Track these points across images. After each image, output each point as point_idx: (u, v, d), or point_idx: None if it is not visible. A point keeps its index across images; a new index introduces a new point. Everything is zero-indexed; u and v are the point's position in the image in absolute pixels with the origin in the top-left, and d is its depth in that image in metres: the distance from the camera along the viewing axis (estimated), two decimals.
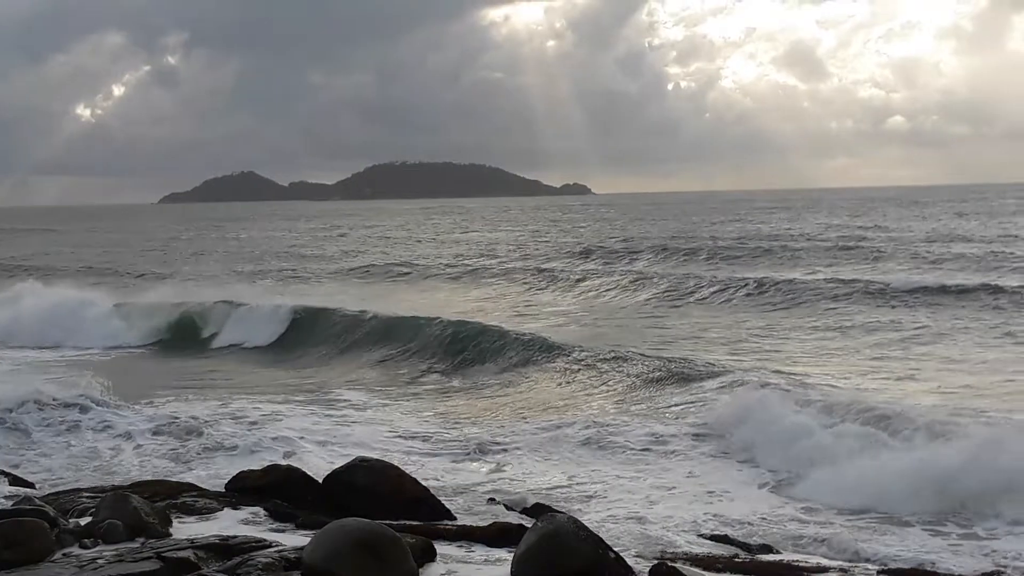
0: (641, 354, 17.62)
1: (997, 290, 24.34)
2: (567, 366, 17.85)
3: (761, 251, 39.94)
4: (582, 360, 17.91)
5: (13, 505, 7.82)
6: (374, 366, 20.82)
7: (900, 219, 63.97)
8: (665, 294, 29.37)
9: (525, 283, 34.91)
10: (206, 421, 13.30)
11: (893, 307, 23.72)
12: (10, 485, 9.63)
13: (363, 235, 75.73)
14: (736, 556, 8.06)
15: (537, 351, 18.96)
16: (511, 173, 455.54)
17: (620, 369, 16.84)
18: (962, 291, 24.69)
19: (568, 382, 17.02)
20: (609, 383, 16.37)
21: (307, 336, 24.54)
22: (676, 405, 14.34)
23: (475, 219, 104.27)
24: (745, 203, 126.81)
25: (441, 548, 7.47)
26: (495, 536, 7.87)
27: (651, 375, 16.12)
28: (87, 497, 8.52)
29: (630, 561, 7.06)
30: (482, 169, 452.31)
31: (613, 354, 17.73)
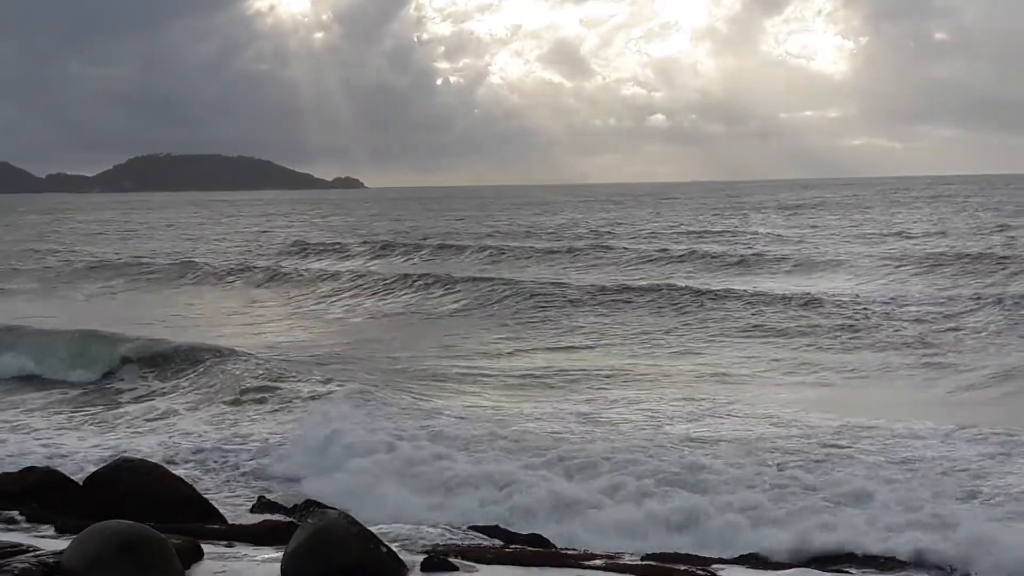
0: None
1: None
2: None
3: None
4: None
5: None
6: None
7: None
8: None
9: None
10: None
11: None
12: None
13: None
14: (506, 546, 8.43)
15: None
16: (281, 166, 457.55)
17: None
18: None
19: None
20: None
21: None
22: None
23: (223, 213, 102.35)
24: (506, 198, 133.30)
25: (209, 548, 7.44)
26: (265, 534, 7.92)
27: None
28: None
29: (402, 555, 7.31)
30: (251, 162, 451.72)
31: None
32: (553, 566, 7.43)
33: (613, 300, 23.91)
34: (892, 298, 23.64)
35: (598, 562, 7.78)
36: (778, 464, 10.23)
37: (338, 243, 46.33)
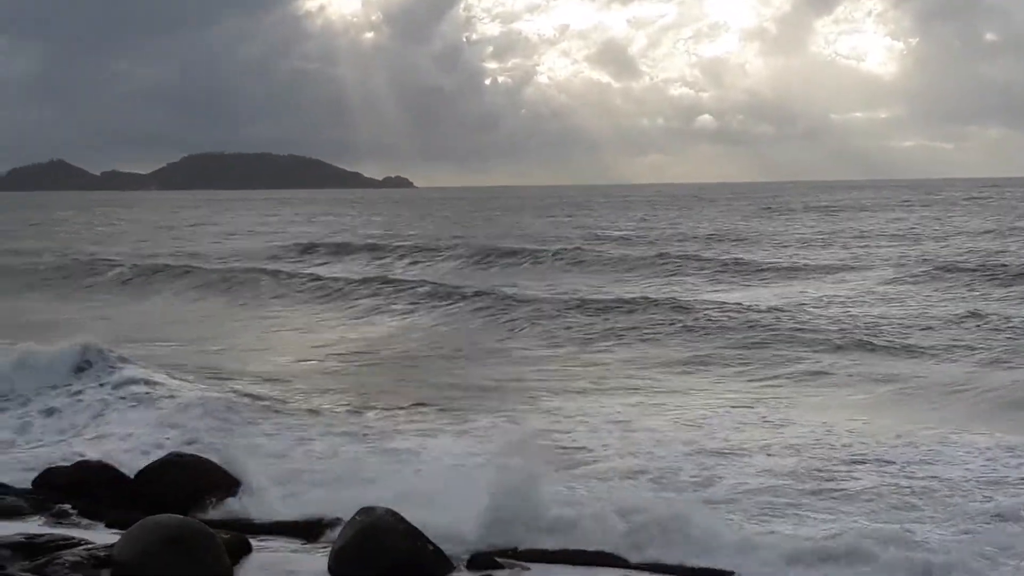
0: None
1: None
2: None
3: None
4: None
5: None
6: None
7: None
8: None
9: None
10: None
11: None
12: None
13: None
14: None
15: None
16: (331, 165, 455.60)
17: None
18: None
19: None
20: None
21: None
22: None
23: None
24: (554, 198, 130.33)
25: (257, 544, 7.57)
26: (310, 530, 8.02)
27: None
28: None
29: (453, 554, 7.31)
30: (301, 160, 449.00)
31: None
32: (602, 565, 7.43)
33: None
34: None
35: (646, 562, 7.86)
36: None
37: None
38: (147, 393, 12.89)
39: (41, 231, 66.89)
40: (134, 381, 13.22)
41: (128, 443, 10.93)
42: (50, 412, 12.33)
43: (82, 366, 13.66)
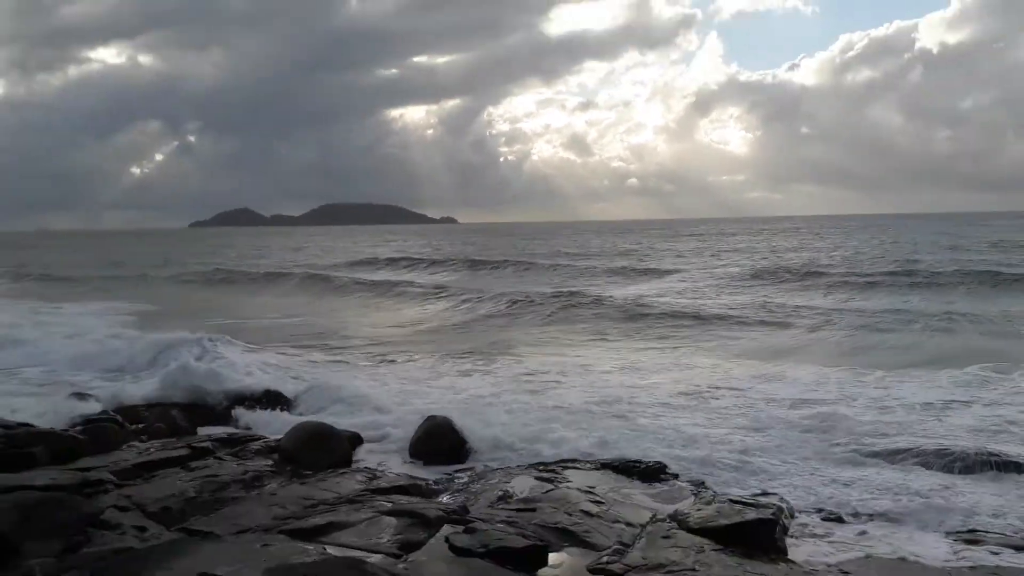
0: None
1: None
2: None
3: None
4: None
5: (98, 414, 12.09)
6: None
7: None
8: None
9: None
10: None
11: None
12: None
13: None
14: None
15: None
16: (407, 209, 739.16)
17: None
18: None
19: None
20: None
21: None
22: None
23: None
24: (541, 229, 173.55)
25: (367, 435, 11.81)
26: (401, 428, 12.14)
27: None
28: (143, 409, 12.86)
29: (480, 443, 11.37)
30: (389, 207, 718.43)
31: None
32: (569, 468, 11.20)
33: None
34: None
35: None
36: None
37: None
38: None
39: (239, 252, 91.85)
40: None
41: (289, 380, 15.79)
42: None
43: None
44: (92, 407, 12.42)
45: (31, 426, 11.19)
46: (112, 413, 12.25)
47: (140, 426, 11.89)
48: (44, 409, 12.37)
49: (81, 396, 14.46)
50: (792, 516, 8.50)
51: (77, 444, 10.37)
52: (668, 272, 42.32)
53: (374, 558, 7.02)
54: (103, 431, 11.05)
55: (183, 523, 8.15)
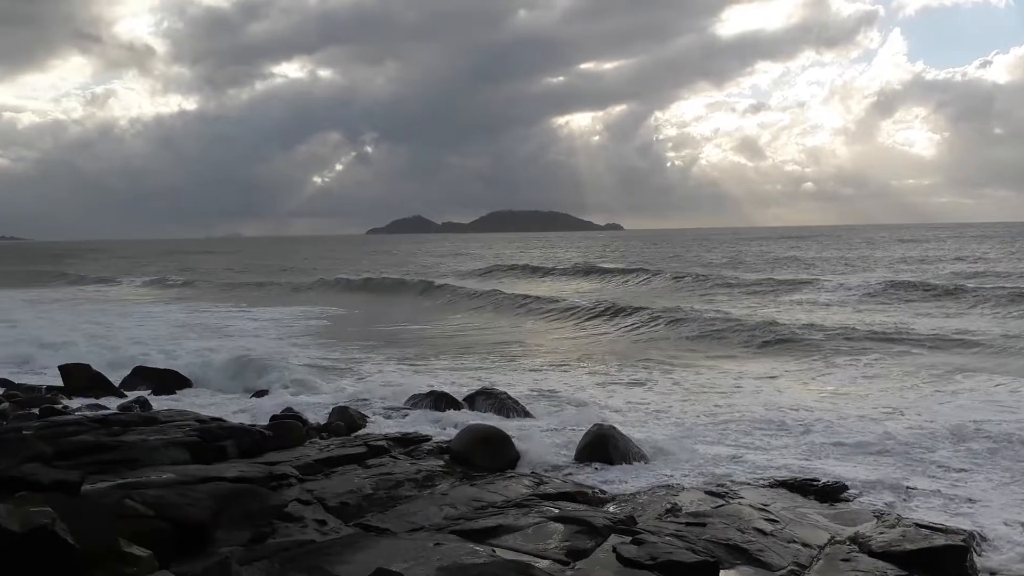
0: None
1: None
2: None
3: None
4: None
5: (281, 413, 12.81)
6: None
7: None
8: None
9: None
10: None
11: None
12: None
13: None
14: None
15: None
16: (573, 216, 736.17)
17: None
18: None
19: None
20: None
21: None
22: None
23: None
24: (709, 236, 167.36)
25: (533, 439, 11.88)
26: (567, 433, 12.21)
27: None
28: (324, 407, 13.49)
29: (649, 453, 11.23)
30: (554, 214, 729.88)
31: None
32: None
33: None
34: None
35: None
36: None
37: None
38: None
39: (417, 257, 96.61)
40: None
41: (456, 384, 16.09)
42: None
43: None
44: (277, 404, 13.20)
45: (223, 421, 11.95)
46: (296, 411, 12.91)
47: (322, 423, 12.44)
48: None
49: (261, 393, 15.38)
50: (986, 544, 7.92)
51: (263, 439, 10.99)
52: (836, 284, 39.24)
53: (542, 563, 7.05)
54: (287, 428, 11.65)
55: (360, 519, 8.49)
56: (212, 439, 10.69)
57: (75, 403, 14.28)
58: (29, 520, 5.74)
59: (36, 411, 12.92)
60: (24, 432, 10.61)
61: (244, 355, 18.70)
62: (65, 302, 42.00)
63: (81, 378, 15.64)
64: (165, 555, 6.63)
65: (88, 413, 12.53)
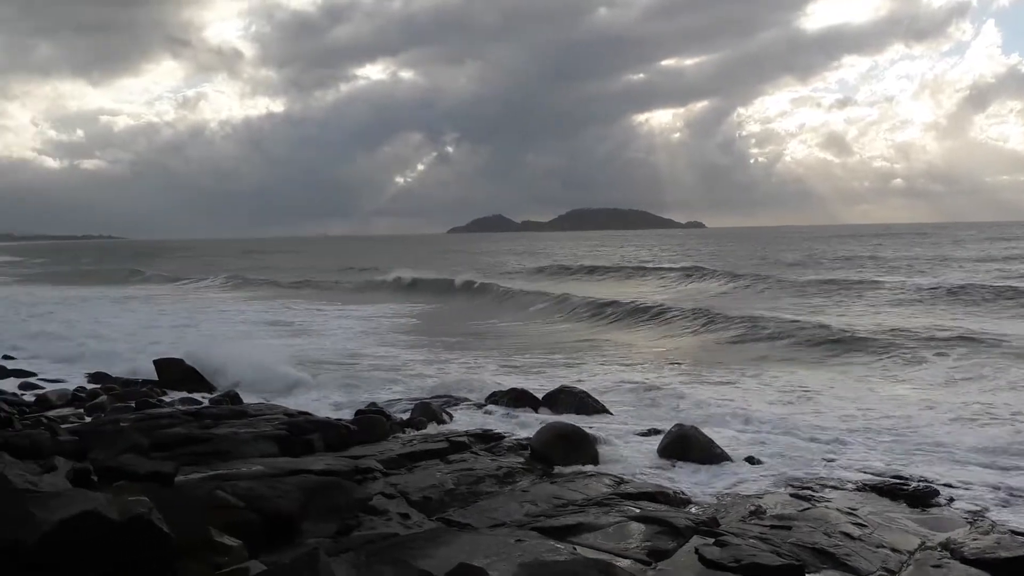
0: None
1: None
2: None
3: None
4: None
5: (366, 408, 13.06)
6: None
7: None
8: None
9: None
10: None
11: None
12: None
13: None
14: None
15: None
16: (653, 214, 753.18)
17: None
18: None
19: None
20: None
21: None
22: None
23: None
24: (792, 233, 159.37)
25: (613, 439, 11.87)
26: (647, 432, 12.17)
27: None
28: (407, 403, 13.71)
29: (732, 454, 11.09)
30: (635, 212, 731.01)
31: None
32: None
33: None
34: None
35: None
36: None
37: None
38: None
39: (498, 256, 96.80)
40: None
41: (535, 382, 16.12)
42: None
43: None
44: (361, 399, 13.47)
45: (310, 415, 12.24)
46: (379, 406, 13.15)
47: (404, 418, 12.64)
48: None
49: (353, 387, 15.70)
50: None
51: (348, 433, 11.22)
52: (916, 284, 37.17)
53: (623, 563, 7.04)
54: (371, 422, 11.87)
55: (442, 513, 8.60)
56: (300, 432, 10.97)
57: (169, 396, 14.80)
58: (127, 509, 5.96)
59: (132, 404, 13.41)
60: (121, 424, 11.08)
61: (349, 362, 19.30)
62: (158, 299, 43.45)
63: (174, 372, 16.17)
64: (254, 546, 6.83)
65: (181, 407, 12.96)
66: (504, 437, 11.76)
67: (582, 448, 10.98)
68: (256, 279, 59.24)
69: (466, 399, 14.49)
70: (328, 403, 14.30)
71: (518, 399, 14.01)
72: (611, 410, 13.44)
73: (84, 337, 23.54)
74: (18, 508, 5.94)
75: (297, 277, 59.88)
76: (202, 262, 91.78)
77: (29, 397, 14.01)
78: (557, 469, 10.35)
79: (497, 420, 13.05)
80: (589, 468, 10.42)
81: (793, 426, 12.50)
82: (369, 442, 11.17)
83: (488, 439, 11.59)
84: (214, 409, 12.53)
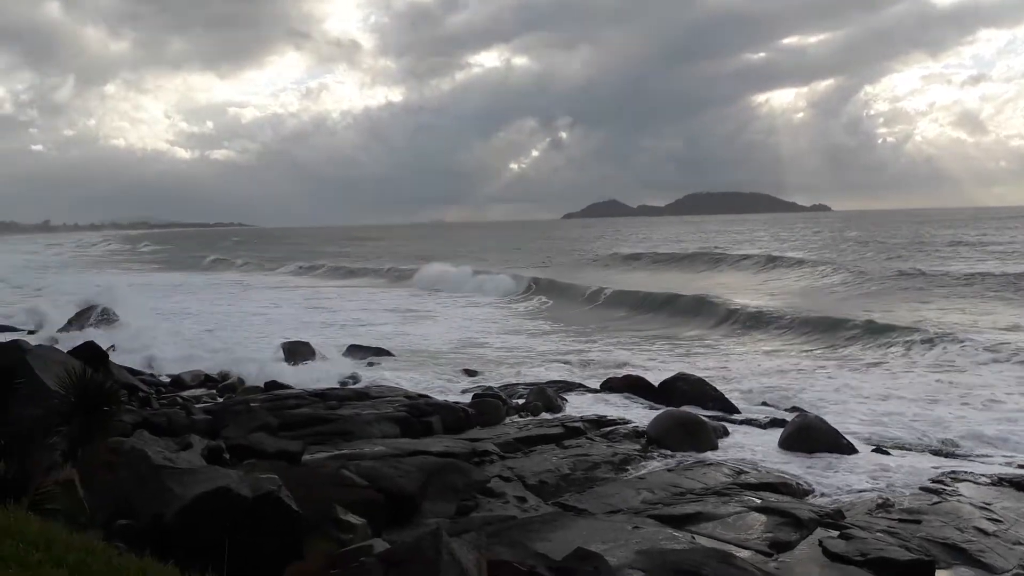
0: None
1: None
2: None
3: None
4: None
5: (483, 390, 13.22)
6: None
7: None
8: None
9: None
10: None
11: None
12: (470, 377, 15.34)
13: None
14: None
15: None
16: (775, 197, 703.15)
17: None
18: None
19: None
20: None
21: None
22: None
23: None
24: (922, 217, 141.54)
25: (732, 428, 11.65)
26: (768, 424, 11.88)
27: None
28: (523, 388, 13.81)
29: (858, 445, 10.72)
30: (756, 195, 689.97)
31: None
32: None
33: None
34: None
35: None
36: None
37: None
38: None
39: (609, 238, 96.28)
40: None
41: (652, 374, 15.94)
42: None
43: None
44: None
45: (429, 397, 12.48)
46: (497, 390, 13.29)
47: (520, 403, 12.73)
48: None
49: (471, 372, 15.91)
50: None
51: (467, 416, 11.41)
52: None
53: (743, 553, 6.93)
54: (489, 406, 12.01)
55: (558, 498, 8.65)
56: (419, 414, 11.22)
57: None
58: (259, 486, 6.23)
59: (262, 385, 13.96)
60: (252, 404, 11.56)
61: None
62: (287, 289, 44.87)
63: (302, 354, 16.73)
64: (377, 524, 7.03)
65: (308, 388, 13.41)
66: (619, 423, 11.67)
67: (700, 436, 10.83)
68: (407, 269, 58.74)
69: (581, 385, 14.47)
70: (449, 386, 14.54)
71: (633, 386, 13.90)
72: (731, 399, 13.15)
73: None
74: (158, 483, 6.29)
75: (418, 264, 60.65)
76: (368, 250, 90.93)
77: (164, 378, 14.74)
78: (675, 457, 10.23)
79: (612, 406, 12.98)
80: (708, 456, 10.27)
81: (927, 419, 11.98)
82: (486, 425, 11.31)
83: (603, 425, 11.55)
84: (339, 390, 12.92)
